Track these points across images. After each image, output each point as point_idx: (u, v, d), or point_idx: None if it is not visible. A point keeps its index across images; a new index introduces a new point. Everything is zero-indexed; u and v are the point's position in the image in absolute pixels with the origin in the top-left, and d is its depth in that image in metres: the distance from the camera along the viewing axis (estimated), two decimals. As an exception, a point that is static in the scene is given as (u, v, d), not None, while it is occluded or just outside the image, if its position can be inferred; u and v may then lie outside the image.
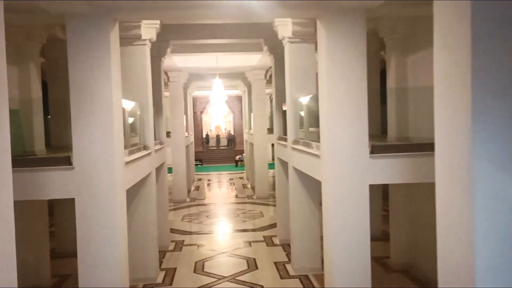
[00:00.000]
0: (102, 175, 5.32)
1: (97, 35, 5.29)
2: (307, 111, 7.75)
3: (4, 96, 2.94)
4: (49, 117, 9.65)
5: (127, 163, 6.00)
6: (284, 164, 10.09)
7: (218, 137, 34.41)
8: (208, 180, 23.22)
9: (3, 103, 2.93)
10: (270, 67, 15.77)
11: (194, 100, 29.78)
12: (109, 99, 5.34)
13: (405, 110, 7.82)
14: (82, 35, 5.29)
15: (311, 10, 5.45)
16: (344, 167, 5.54)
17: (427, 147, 5.57)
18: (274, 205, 15.34)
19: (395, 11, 6.04)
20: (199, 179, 23.07)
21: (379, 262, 8.55)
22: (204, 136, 34.23)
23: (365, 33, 5.46)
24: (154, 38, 8.21)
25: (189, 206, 15.61)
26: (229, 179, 23.09)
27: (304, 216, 8.24)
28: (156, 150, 8.76)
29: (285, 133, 9.95)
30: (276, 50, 10.12)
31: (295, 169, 8.16)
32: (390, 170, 5.55)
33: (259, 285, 7.78)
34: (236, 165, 28.81)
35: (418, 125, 7.55)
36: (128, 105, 6.95)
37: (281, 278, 8.13)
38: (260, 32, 10.06)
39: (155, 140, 8.79)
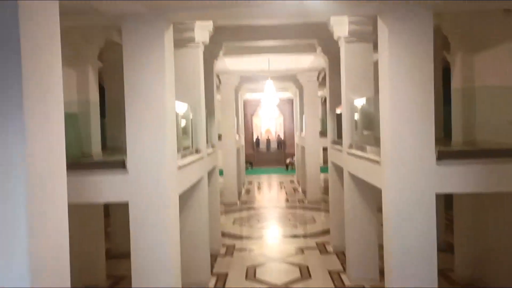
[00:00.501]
0: (155, 179, 5.23)
1: (152, 36, 5.22)
2: (365, 114, 7.38)
3: (60, 102, 2.86)
4: (105, 119, 9.85)
5: (180, 167, 5.91)
6: (339, 169, 9.72)
7: (268, 141, 34.28)
8: (259, 183, 23.09)
9: (58, 108, 2.85)
10: (323, 69, 15.43)
11: (245, 103, 29.80)
12: (163, 102, 5.25)
13: (472, 112, 7.28)
14: (137, 36, 5.24)
15: (372, 5, 5.12)
16: (408, 174, 5.16)
17: (502, 153, 5.10)
18: (326, 211, 14.95)
19: (464, 5, 5.58)
20: (250, 182, 22.99)
21: (443, 275, 7.98)
22: (254, 139, 34.21)
23: (431, 30, 5.07)
24: (207, 40, 8.12)
25: (240, 209, 15.51)
26: (280, 182, 22.84)
27: (360, 224, 7.85)
28: (208, 154, 8.68)
29: (339, 136, 9.59)
30: (330, 50, 9.79)
31: (350, 174, 7.80)
32: (460, 178, 5.11)
33: (313, 295, 7.49)
34: (287, 169, 28.52)
35: (487, 128, 6.99)
36: (181, 108, 6.88)
37: (336, 288, 7.79)
38: (314, 33, 9.77)
39: (207, 143, 8.70)
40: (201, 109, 7.98)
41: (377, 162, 5.69)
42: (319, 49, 10.04)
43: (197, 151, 7.70)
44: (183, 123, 7.21)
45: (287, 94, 24.72)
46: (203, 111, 8.14)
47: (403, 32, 5.06)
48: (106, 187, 5.24)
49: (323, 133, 16.34)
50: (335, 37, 8.05)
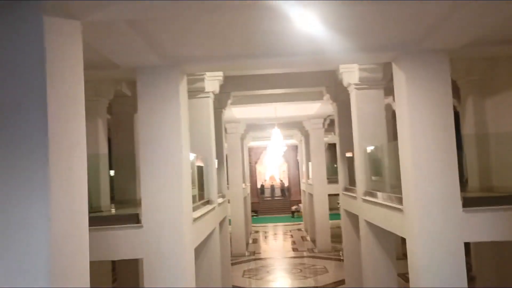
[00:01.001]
0: (171, 233, 5.04)
1: (167, 88, 5.19)
2: (378, 160, 7.26)
3: (83, 154, 2.75)
4: (112, 172, 9.73)
5: (195, 219, 5.72)
6: (352, 217, 9.48)
7: (272, 187, 33.99)
8: (265, 232, 22.63)
9: (82, 161, 2.74)
10: (329, 116, 15.48)
11: (249, 150, 29.77)
12: (179, 154, 5.15)
13: (486, 158, 7.15)
14: (152, 88, 5.20)
15: (389, 52, 5.11)
16: (434, 223, 4.96)
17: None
18: (338, 259, 14.54)
19: (478, 51, 5.59)
20: (256, 231, 22.53)
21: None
22: (259, 186, 33.93)
23: (449, 75, 5.04)
24: (217, 90, 8.14)
25: (248, 260, 15.07)
26: (287, 230, 22.38)
27: (379, 274, 7.52)
28: (219, 204, 8.48)
29: (351, 183, 9.42)
30: (339, 97, 9.81)
31: (367, 222, 7.57)
32: (487, 225, 4.91)
33: None
34: (293, 216, 28.07)
35: (503, 174, 6.84)
36: (193, 158, 6.76)
37: None
38: (321, 80, 9.83)
39: (218, 193, 8.53)
40: (212, 159, 7.88)
41: (399, 210, 5.50)
42: (326, 96, 10.06)
43: (208, 202, 7.51)
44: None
45: (292, 141, 24.71)
46: (214, 161, 8.02)
47: (421, 77, 5.03)
48: (120, 243, 5.04)
49: (329, 180, 16.19)
50: (345, 83, 8.05)
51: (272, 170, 34.40)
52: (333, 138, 22.35)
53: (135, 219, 5.08)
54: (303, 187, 21.64)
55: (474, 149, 7.25)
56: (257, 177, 34.30)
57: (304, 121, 16.04)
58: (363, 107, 7.75)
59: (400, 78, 5.23)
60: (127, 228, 5.05)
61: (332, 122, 16.42)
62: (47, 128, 2.30)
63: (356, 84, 7.77)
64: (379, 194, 6.87)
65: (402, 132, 5.28)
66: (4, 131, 2.30)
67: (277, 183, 34.39)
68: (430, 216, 4.97)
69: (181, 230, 5.05)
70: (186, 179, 5.31)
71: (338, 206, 25.49)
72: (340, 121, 9.94)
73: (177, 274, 5.02)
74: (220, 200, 8.73)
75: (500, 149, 6.97)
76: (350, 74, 7.81)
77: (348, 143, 9.53)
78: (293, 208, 28.80)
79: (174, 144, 5.18)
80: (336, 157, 21.33)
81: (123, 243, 5.05)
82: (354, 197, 8.39)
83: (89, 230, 4.95)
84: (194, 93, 7.79)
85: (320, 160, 15.82)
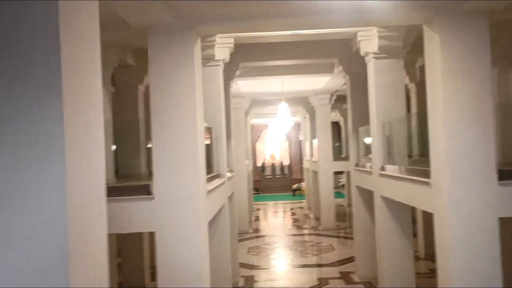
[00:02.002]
0: (186, 206, 4.71)
1: (181, 50, 4.80)
2: (400, 134, 6.91)
3: (100, 117, 2.40)
4: (115, 146, 9.37)
5: (209, 192, 5.40)
6: (365, 193, 9.20)
7: (273, 165, 33.78)
8: (267, 210, 22.45)
9: (99, 124, 2.39)
10: (336, 91, 15.07)
11: (250, 128, 29.43)
12: (193, 122, 4.79)
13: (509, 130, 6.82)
14: (165, 51, 4.81)
15: (423, 13, 4.71)
16: (466, 196, 4.65)
17: None
18: (344, 237, 14.34)
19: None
20: (258, 209, 22.34)
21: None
22: (259, 165, 33.68)
23: (488, 41, 4.65)
24: (227, 58, 7.74)
25: (252, 237, 14.86)
26: (289, 208, 22.19)
27: (396, 252, 7.27)
28: (228, 179, 8.17)
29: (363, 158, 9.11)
30: (352, 69, 9.39)
31: (383, 198, 7.27)
32: (525, 200, 4.59)
33: (349, 331, 6.84)
34: (294, 194, 27.89)
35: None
36: (206, 128, 6.40)
37: (371, 323, 7.14)
38: (334, 51, 9.40)
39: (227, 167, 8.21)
40: (222, 132, 7.53)
41: (426, 184, 5.18)
42: (339, 68, 9.65)
43: (218, 176, 7.19)
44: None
45: (294, 119, 24.34)
46: (224, 133, 7.67)
47: (457, 41, 4.65)
48: (131, 216, 4.71)
49: (335, 157, 15.89)
50: (362, 53, 7.65)
51: (273, 149, 34.11)
52: (336, 116, 22.03)
53: (146, 190, 4.74)
54: (306, 165, 21.35)
55: (499, 121, 6.91)
56: (257, 155, 34.03)
57: (311, 96, 15.63)
58: (381, 78, 7.36)
59: (433, 42, 4.84)
60: (137, 199, 4.72)
61: (339, 98, 16.03)
62: (61, 87, 1.94)
63: (374, 53, 7.36)
64: (398, 168, 6.54)
65: (433, 100, 4.91)
66: (17, 90, 1.96)
67: (277, 161, 34.15)
68: (461, 189, 4.65)
69: (196, 202, 4.73)
70: (201, 149, 4.96)
71: (340, 185, 25.26)
72: (353, 95, 9.54)
73: (191, 248, 4.72)
74: (229, 174, 8.41)
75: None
76: (369, 43, 7.40)
77: (361, 118, 9.18)
78: (294, 186, 28.61)
79: (188, 111, 4.82)
80: (339, 135, 20.87)
81: (134, 215, 4.73)
82: (369, 172, 8.07)
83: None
84: (204, 61, 7.33)
85: (326, 136, 15.49)
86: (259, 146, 34.51)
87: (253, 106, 17.55)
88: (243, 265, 10.88)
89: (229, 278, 7.50)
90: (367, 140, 8.80)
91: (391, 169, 6.82)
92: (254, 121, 25.90)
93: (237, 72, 9.68)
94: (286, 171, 33.73)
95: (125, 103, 9.61)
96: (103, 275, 2.38)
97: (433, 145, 4.98)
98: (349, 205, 20.33)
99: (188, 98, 4.79)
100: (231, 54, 8.34)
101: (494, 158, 4.61)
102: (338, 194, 20.91)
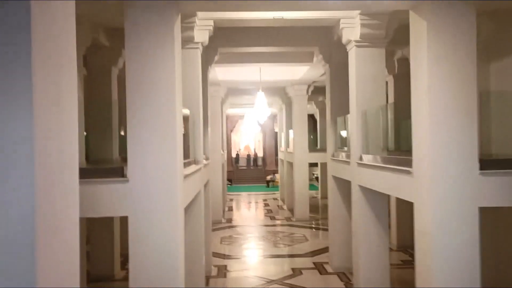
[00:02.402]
0: (161, 190, 4.50)
1: (160, 28, 4.56)
2: (379, 123, 6.85)
3: (74, 97, 2.18)
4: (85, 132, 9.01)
5: (186, 177, 5.19)
6: (341, 184, 9.16)
7: (248, 156, 33.67)
8: (241, 200, 22.31)
9: (72, 102, 2.17)
10: (314, 82, 15.00)
11: (225, 118, 29.17)
12: (172, 104, 4.57)
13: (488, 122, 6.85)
14: (143, 27, 4.56)
15: (410, -2, 4.62)
16: (447, 186, 4.60)
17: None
18: (317, 228, 14.36)
19: (507, 3, 5.16)
20: (231, 199, 22.19)
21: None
22: (234, 156, 33.52)
23: (475, 29, 4.60)
24: (206, 41, 7.51)
25: (225, 227, 14.70)
26: (263, 200, 22.11)
27: (372, 242, 7.25)
28: (205, 166, 7.97)
29: (342, 149, 9.06)
30: (332, 58, 9.30)
31: (361, 188, 7.22)
32: (505, 190, 4.58)
33: (324, 321, 6.78)
34: (267, 186, 27.85)
35: (505, 141, 6.55)
36: (184, 112, 6.17)
37: (346, 312, 7.11)
38: (315, 39, 9.28)
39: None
40: (199, 117, 7.32)
41: (408, 173, 5.12)
42: (319, 57, 9.53)
43: (195, 161, 6.98)
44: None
45: (270, 109, 24.20)
46: (201, 118, 7.46)
47: (443, 28, 4.58)
48: (102, 199, 4.47)
49: (310, 149, 15.87)
50: (344, 41, 7.55)
51: (248, 140, 33.98)
52: (312, 108, 21.99)
53: (120, 173, 4.50)
54: (281, 156, 21.31)
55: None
56: (231, 146, 33.82)
57: (288, 87, 15.52)
58: (364, 67, 7.28)
59: (419, 28, 4.75)
60: (110, 182, 4.48)
61: (315, 90, 15.97)
62: (30, 62, 1.72)
63: (356, 41, 7.27)
64: (378, 157, 6.49)
65: (417, 87, 4.84)
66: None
67: (251, 152, 34.05)
68: (443, 178, 4.61)
69: (172, 186, 4.52)
70: (179, 132, 4.75)
71: (314, 177, 25.30)
72: (332, 84, 9.46)
73: (166, 234, 4.52)
74: (205, 161, 8.21)
75: (503, 113, 6.66)
76: (351, 30, 7.30)
77: (340, 107, 9.11)
78: (268, 177, 28.57)
79: (167, 92, 4.59)
80: (315, 127, 20.83)
81: (106, 199, 4.49)
82: (346, 162, 8.02)
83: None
84: (182, 43, 7.08)
85: (302, 127, 15.43)
86: (233, 137, 34.31)
87: (229, 95, 17.34)
88: (216, 255, 10.71)
89: (203, 267, 7.33)
90: (344, 133, 8.76)
91: (370, 159, 6.77)
92: (229, 111, 25.66)
93: (216, 58, 9.44)
94: (260, 163, 33.68)
95: (98, 86, 9.24)
96: (73, 261, 2.18)
97: (416, 133, 4.92)
98: (323, 197, 20.42)
99: (166, 79, 4.56)
100: (210, 38, 8.10)
101: (477, 147, 4.58)
102: (311, 187, 20.95)
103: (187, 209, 6.83)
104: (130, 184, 4.49)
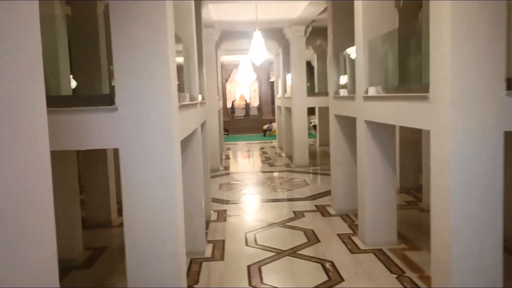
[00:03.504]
0: (155, 119, 4.05)
1: None
2: (390, 51, 6.34)
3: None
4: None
5: (181, 107, 4.74)
6: (344, 123, 8.76)
7: (246, 105, 33.15)
8: (238, 149, 22.01)
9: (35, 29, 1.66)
10: (312, 22, 14.28)
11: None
12: (163, 23, 4.02)
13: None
14: None
15: None
16: (468, 108, 4.17)
17: None
18: (317, 173, 14.11)
19: None
20: (228, 148, 21.89)
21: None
22: (230, 106, 32.98)
23: None
24: (199, -33, 6.83)
25: (223, 175, 14.44)
26: (260, 148, 21.80)
27: (379, 181, 6.92)
28: (201, 104, 7.50)
29: (345, 85, 8.59)
30: (335, -12, 8.64)
31: (368, 124, 6.81)
32: (534, 112, 4.16)
33: (328, 260, 6.55)
34: (264, 135, 27.52)
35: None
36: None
37: (351, 252, 6.88)
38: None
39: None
40: (193, 48, 6.76)
41: (424, 99, 4.68)
42: (320, -12, 8.87)
43: (191, 97, 6.50)
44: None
45: (267, 54, 23.43)
46: (195, 51, 6.91)
47: None
48: (90, 129, 4.03)
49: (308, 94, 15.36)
50: (350, -37, 6.90)
51: (243, 89, 33.30)
52: (309, 53, 21.25)
53: (108, 101, 4.03)
54: (278, 102, 20.79)
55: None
56: (226, 96, 33.16)
57: (285, 28, 14.78)
58: (370, -9, 6.68)
59: None
60: (97, 111, 4.02)
61: (314, 32, 15.25)
62: None
63: (363, -37, 6.63)
64: (387, 87, 6.04)
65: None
66: None
67: (247, 102, 33.47)
68: (464, 99, 4.16)
69: (168, 115, 4.07)
70: (172, 56, 4.23)
71: (311, 126, 24.95)
72: (334, 17, 8.83)
73: (162, 168, 4.12)
74: (201, 99, 7.72)
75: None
76: (358, -50, 6.64)
77: (342, 42, 8.56)
78: (265, 127, 28.20)
79: (156, 15, 4.03)
80: (312, 75, 20.25)
81: (94, 129, 4.04)
82: (351, 98, 7.57)
83: (49, 112, 3.94)
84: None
85: (300, 70, 14.85)
86: (228, 87, 33.60)
87: (224, 40, 16.55)
88: (215, 200, 10.46)
89: (203, 209, 7.02)
90: (352, 56, 8.25)
91: (379, 90, 6.31)
92: (224, 58, 24.87)
93: (209, -11, 8.76)
94: (256, 112, 33.20)
95: (83, 23, 8.57)
96: (47, 214, 1.75)
97: (434, 52, 4.43)
98: (321, 144, 20.12)
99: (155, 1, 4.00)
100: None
101: (504, 64, 4.11)
102: (309, 135, 20.63)
103: (184, 148, 6.42)
104: (119, 113, 4.03)
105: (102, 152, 8.68)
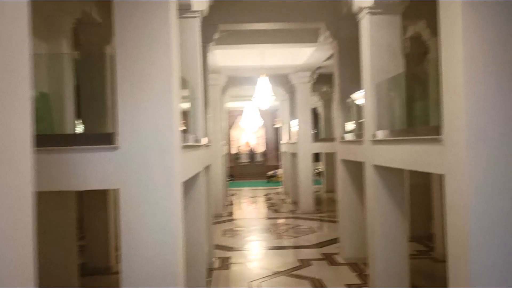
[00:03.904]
0: (157, 158, 3.89)
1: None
2: (399, 94, 6.24)
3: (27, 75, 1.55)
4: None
5: (185, 148, 4.59)
6: (352, 166, 8.58)
7: (250, 151, 33.10)
8: (243, 195, 21.68)
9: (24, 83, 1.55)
10: (317, 69, 14.40)
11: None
12: (168, 62, 3.95)
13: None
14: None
15: None
16: (486, 149, 3.97)
17: None
18: (324, 220, 13.75)
19: None
20: (233, 194, 21.58)
21: None
22: (234, 152, 32.91)
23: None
24: (206, 11, 6.91)
25: (227, 221, 14.10)
26: (265, 194, 21.48)
27: (389, 228, 6.63)
28: (206, 146, 7.36)
29: (353, 130, 8.45)
30: (340, 34, 8.70)
31: (377, 168, 6.62)
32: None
33: (338, 313, 6.17)
34: (269, 181, 27.22)
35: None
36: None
37: (362, 304, 6.50)
38: (321, 14, 8.71)
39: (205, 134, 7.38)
40: (198, 90, 6.70)
41: (436, 141, 4.50)
42: (326, 34, 8.93)
43: (195, 138, 6.36)
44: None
45: (273, 99, 23.58)
46: (202, 92, 6.85)
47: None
48: (89, 170, 3.86)
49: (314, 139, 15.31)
50: (355, 9, 6.94)
51: (248, 135, 33.33)
52: (314, 100, 21.36)
53: (109, 140, 3.89)
54: (283, 148, 20.68)
55: None
56: (231, 142, 33.17)
57: (291, 74, 14.90)
58: (378, 36, 6.66)
59: None
60: (98, 150, 3.87)
61: (319, 79, 15.38)
62: None
63: (370, 8, 6.65)
64: (396, 131, 5.89)
65: (449, 38, 4.22)
66: None
67: (252, 148, 33.44)
68: (482, 140, 3.98)
69: (170, 154, 3.91)
70: (176, 97, 4.13)
71: (317, 172, 24.68)
72: (341, 62, 8.84)
73: (162, 210, 3.91)
74: (206, 141, 7.59)
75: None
76: (364, -4, 6.70)
77: (349, 86, 8.51)
78: (270, 173, 27.96)
79: (162, 46, 3.97)
80: (317, 122, 20.15)
81: (93, 169, 3.88)
82: (359, 142, 7.41)
83: (48, 151, 3.80)
84: (179, 12, 6.51)
85: (306, 116, 14.84)
86: (233, 133, 33.66)
87: (229, 85, 16.67)
88: (218, 247, 10.11)
89: (204, 256, 6.73)
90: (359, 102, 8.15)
91: (387, 134, 6.16)
92: (229, 105, 25.04)
93: (216, 35, 8.84)
94: (261, 158, 33.07)
95: (91, 66, 8.62)
96: (27, 242, 1.55)
97: (448, 94, 4.30)
98: (327, 191, 19.79)
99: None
100: (209, 14, 7.53)
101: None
102: (315, 182, 20.38)
103: (187, 191, 6.23)
104: (120, 152, 3.88)
105: (103, 195, 8.48)
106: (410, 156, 5.33)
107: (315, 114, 25.66)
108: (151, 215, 3.90)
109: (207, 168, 7.95)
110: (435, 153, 4.59)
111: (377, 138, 6.46)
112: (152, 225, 3.91)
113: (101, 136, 3.95)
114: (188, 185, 6.13)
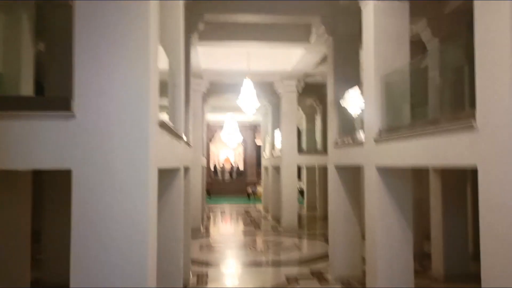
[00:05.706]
0: (125, 133, 3.00)
1: None
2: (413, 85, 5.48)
3: None
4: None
5: (162, 126, 3.69)
6: (346, 175, 7.80)
7: (232, 168, 32.08)
8: (222, 211, 20.59)
9: None
10: (306, 76, 13.71)
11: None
12: (144, 9, 3.10)
13: None
14: None
15: None
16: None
17: None
18: (307, 238, 12.84)
19: None
20: (211, 209, 20.50)
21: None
22: (212, 167, 31.82)
23: None
24: (191, -10, 6.10)
25: (206, 236, 13.07)
26: (245, 211, 20.45)
27: (394, 239, 5.83)
28: (186, 144, 6.46)
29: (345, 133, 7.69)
30: (337, 29, 8.00)
31: (380, 171, 5.83)
32: None
33: (335, 338, 5.25)
34: (249, 198, 26.25)
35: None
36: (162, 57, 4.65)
37: (361, 328, 5.61)
38: (316, 8, 8.01)
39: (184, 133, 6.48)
40: (180, 77, 5.83)
41: (468, 129, 3.73)
42: (321, 30, 8.21)
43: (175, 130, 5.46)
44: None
45: (251, 118, 22.84)
46: (182, 80, 5.98)
47: None
48: (36, 144, 2.93)
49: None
50: (359, -6, 6.25)
51: (227, 151, 32.34)
52: (299, 117, 20.63)
53: (61, 105, 2.97)
54: (265, 162, 19.81)
55: None
56: (209, 157, 32.10)
57: (276, 82, 14.15)
58: (385, 24, 5.96)
59: None
60: (45, 117, 2.95)
61: (306, 87, 14.66)
62: None
63: (375, -7, 5.97)
64: (412, 123, 5.12)
65: (491, 20, 3.49)
66: None
67: (232, 164, 32.45)
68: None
69: (143, 130, 3.02)
70: (153, 56, 3.25)
71: (299, 190, 23.87)
72: (336, 60, 8.11)
73: (129, 199, 2.99)
74: (186, 139, 6.68)
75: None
76: (369, -21, 6.01)
77: (344, 86, 7.78)
78: (249, 189, 27.04)
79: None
80: (299, 138, 19.55)
81: (42, 143, 2.95)
82: (357, 144, 6.64)
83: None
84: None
85: (291, 126, 14.08)
86: (212, 148, 32.65)
87: (212, 93, 15.77)
88: (195, 262, 9.09)
89: (181, 269, 5.76)
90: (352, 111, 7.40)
91: (397, 130, 5.39)
92: (209, 117, 24.12)
93: (200, 26, 8.02)
94: (240, 175, 32.09)
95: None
96: None
97: (483, 78, 3.55)
98: (308, 209, 18.91)
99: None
100: (194, 3, 6.76)
101: None
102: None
103: (162, 191, 5.29)
104: (76, 123, 2.97)
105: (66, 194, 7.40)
106: (430, 149, 4.53)
107: (298, 131, 25.01)
108: (113, 206, 2.98)
109: (186, 170, 7.03)
110: (465, 143, 3.82)
111: (383, 137, 5.68)
112: (114, 219, 2.98)
113: (51, 100, 3.02)
114: (164, 182, 5.21)
